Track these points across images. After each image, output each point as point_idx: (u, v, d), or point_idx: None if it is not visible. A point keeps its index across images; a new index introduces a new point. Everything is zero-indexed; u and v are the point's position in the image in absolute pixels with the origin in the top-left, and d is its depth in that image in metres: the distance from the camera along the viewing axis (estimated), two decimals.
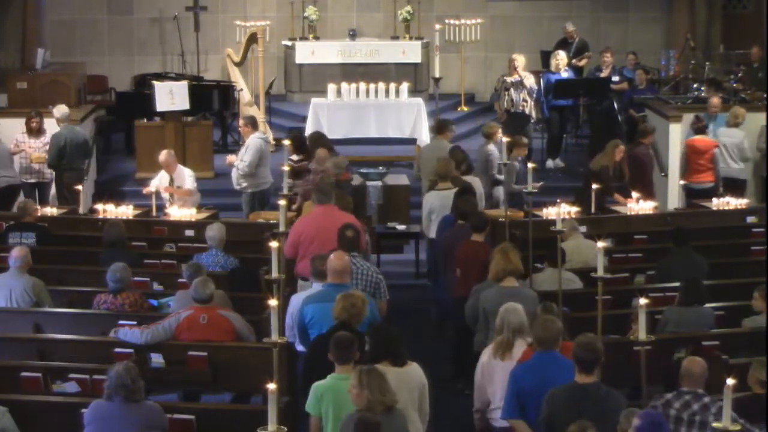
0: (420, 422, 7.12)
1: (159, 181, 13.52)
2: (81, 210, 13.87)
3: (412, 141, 16.82)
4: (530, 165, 10.50)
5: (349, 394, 6.59)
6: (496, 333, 7.85)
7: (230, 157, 13.97)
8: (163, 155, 13.46)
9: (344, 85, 17.02)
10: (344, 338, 7.08)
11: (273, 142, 17.20)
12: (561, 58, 16.74)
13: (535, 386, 7.00)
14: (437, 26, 18.02)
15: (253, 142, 13.66)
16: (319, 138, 13.69)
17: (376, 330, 7.25)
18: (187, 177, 13.51)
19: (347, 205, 10.57)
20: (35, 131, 14.74)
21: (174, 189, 13.36)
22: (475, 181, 12.21)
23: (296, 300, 8.78)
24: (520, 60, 16.29)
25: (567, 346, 7.16)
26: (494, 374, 7.68)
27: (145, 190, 13.65)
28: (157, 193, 13.48)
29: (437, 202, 11.69)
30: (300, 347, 8.52)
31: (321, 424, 6.92)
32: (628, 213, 13.18)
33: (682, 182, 14.79)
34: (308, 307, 8.30)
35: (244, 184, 13.72)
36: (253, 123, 14.00)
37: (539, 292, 9.14)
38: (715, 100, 15.14)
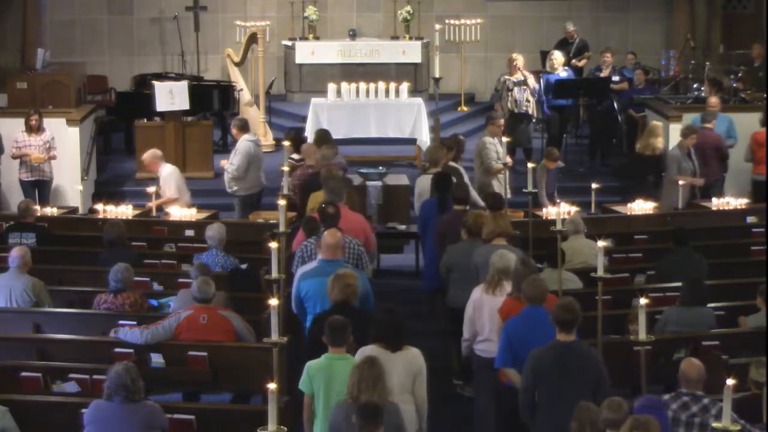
0: (415, 404, 7.36)
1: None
2: (81, 210, 13.87)
3: (412, 141, 16.82)
4: (530, 165, 10.57)
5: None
6: (489, 276, 8.78)
7: (223, 161, 14.00)
8: (146, 155, 13.52)
9: (344, 85, 17.01)
10: (338, 322, 7.31)
11: (273, 142, 17.25)
12: (556, 58, 16.71)
13: (525, 337, 7.71)
14: (437, 26, 18.00)
15: (242, 145, 13.65)
16: (323, 136, 13.58)
17: (386, 314, 7.61)
18: (167, 180, 13.39)
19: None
20: (35, 129, 14.75)
21: (157, 201, 13.33)
22: (461, 168, 12.36)
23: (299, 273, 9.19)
24: (520, 59, 16.30)
25: (552, 299, 8.04)
26: (483, 308, 8.60)
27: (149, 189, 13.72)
28: (158, 193, 13.49)
29: (425, 185, 11.97)
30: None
31: (313, 401, 7.19)
32: (628, 213, 13.20)
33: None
34: (304, 282, 8.76)
35: (235, 188, 13.72)
36: (242, 126, 13.96)
37: None
38: (714, 100, 15.13)
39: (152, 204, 13.30)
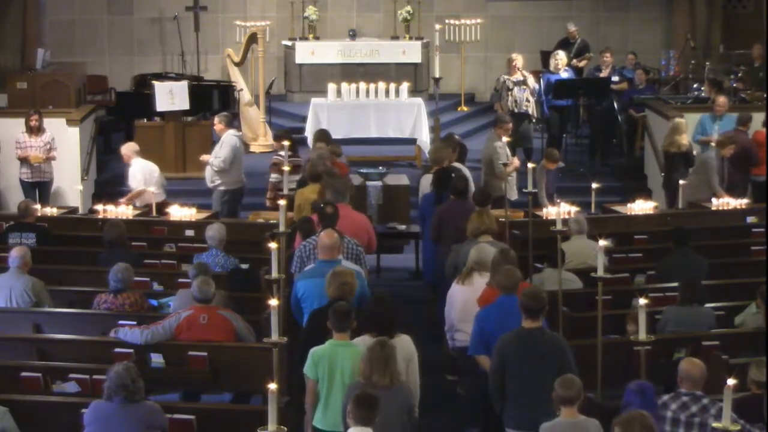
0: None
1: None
2: (81, 210, 13.88)
3: (412, 141, 16.82)
4: (530, 165, 10.59)
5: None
6: (465, 268, 9.12)
7: (204, 156, 14.02)
8: (123, 146, 13.85)
9: (344, 85, 17.01)
10: (342, 308, 7.50)
11: (272, 143, 17.25)
12: (560, 58, 16.73)
13: (497, 324, 7.92)
14: (437, 26, 18.03)
15: (228, 138, 13.77)
16: (321, 135, 13.61)
17: (375, 303, 7.80)
18: (132, 175, 13.69)
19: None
20: (35, 130, 14.74)
21: (129, 196, 13.63)
22: (463, 168, 12.39)
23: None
24: (519, 59, 16.31)
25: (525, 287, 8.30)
26: (453, 298, 8.94)
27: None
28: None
29: (427, 183, 12.12)
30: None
31: (317, 386, 7.31)
32: (628, 213, 13.21)
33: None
34: (301, 282, 8.81)
35: (218, 181, 13.78)
36: (229, 121, 14.14)
37: None
38: (722, 100, 15.12)
39: (123, 201, 13.49)
